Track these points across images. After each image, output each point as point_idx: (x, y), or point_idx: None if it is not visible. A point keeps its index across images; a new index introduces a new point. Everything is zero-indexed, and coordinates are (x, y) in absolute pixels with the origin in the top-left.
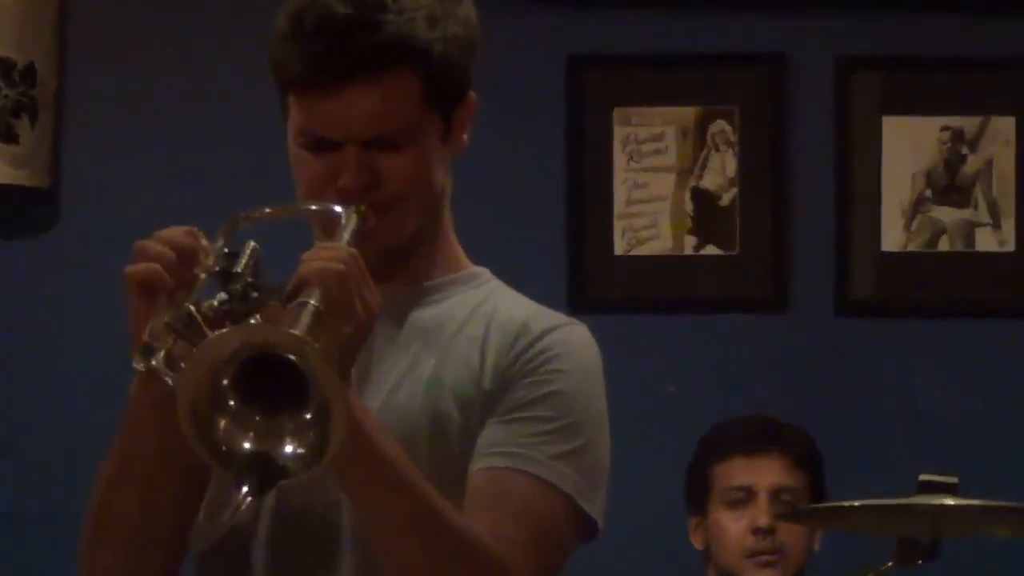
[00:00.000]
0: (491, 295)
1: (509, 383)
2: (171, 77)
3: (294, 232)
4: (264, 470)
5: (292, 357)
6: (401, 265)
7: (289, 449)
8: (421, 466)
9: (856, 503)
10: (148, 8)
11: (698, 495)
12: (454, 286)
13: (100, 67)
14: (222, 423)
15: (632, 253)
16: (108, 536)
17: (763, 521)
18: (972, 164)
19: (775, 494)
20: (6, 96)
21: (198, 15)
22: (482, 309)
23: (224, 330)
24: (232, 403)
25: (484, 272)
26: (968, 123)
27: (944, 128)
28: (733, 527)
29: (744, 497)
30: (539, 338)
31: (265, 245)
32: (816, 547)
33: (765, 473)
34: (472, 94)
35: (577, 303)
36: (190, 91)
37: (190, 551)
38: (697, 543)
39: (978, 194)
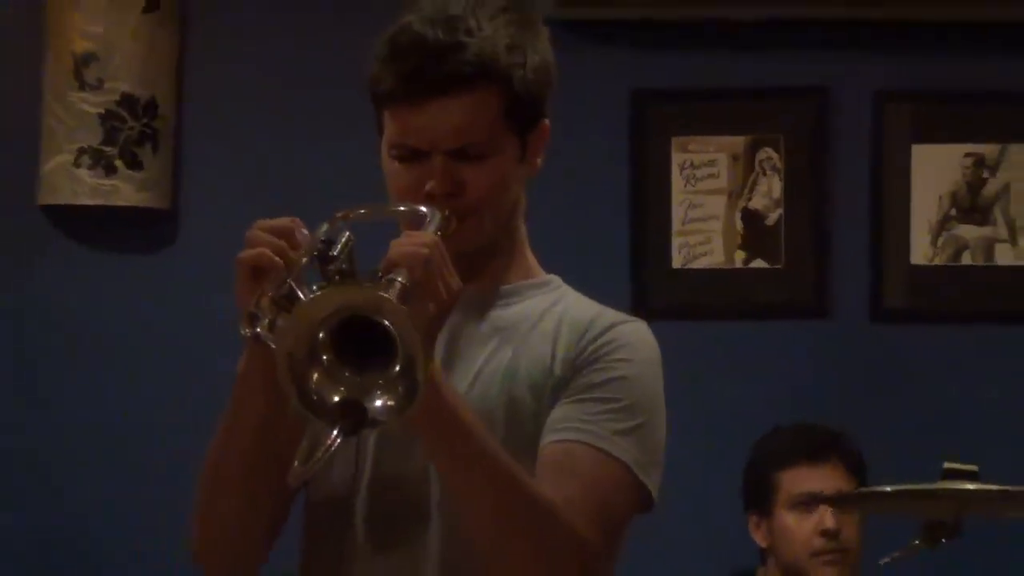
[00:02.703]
0: (562, 298)
1: (577, 370)
2: (278, 109)
3: (385, 234)
4: (355, 415)
5: (382, 319)
6: (480, 270)
7: (377, 402)
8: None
9: (888, 488)
10: (257, 45)
11: (760, 497)
12: (529, 290)
13: (214, 100)
14: (315, 375)
15: (688, 267)
16: (219, 495)
17: (831, 524)
18: (992, 186)
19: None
20: (131, 127)
21: (302, 49)
22: (554, 310)
23: (322, 291)
24: (326, 358)
25: (556, 279)
26: (989, 150)
27: (967, 154)
28: (800, 529)
29: (810, 502)
30: (604, 332)
31: (358, 245)
32: None
33: (828, 480)
34: (546, 121)
35: (639, 312)
36: (296, 120)
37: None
38: (759, 539)
39: (997, 214)
